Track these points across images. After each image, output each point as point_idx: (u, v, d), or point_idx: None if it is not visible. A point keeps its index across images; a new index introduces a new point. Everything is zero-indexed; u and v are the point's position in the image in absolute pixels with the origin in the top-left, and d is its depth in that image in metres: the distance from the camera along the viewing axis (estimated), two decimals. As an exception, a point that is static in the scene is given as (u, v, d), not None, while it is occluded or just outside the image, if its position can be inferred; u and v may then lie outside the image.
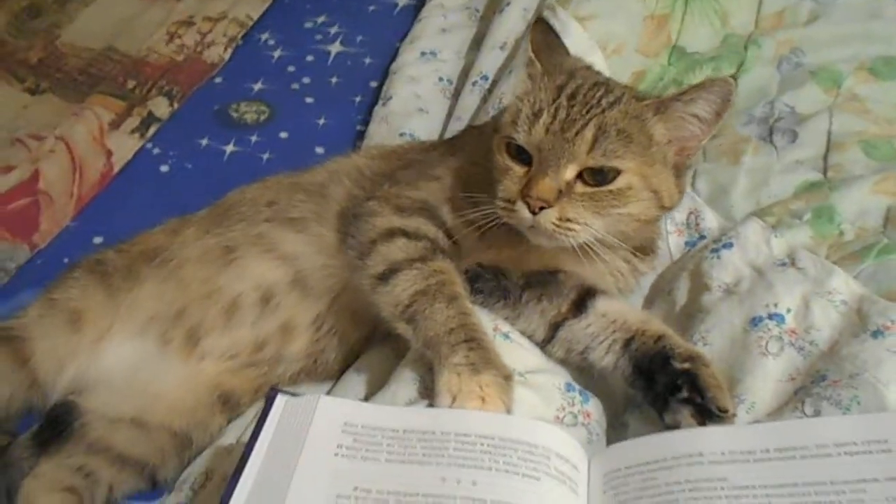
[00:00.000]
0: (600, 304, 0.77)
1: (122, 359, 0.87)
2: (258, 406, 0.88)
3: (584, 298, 0.78)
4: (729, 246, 0.80)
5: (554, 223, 0.71)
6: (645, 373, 0.71)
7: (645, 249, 0.84)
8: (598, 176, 0.71)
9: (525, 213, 0.72)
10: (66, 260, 1.13)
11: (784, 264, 0.75)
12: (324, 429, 0.65)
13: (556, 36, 0.86)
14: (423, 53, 1.31)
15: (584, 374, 0.77)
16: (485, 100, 1.14)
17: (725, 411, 0.65)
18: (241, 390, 0.89)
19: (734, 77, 0.76)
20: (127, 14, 1.57)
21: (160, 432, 0.85)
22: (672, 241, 0.90)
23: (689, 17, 1.14)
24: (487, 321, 0.77)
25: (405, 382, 0.74)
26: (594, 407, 0.74)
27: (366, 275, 0.76)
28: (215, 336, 0.88)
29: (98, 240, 1.19)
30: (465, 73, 1.26)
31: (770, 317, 0.70)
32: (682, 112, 0.73)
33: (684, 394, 0.67)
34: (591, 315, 0.77)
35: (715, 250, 0.81)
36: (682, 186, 0.77)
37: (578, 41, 0.99)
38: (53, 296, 0.89)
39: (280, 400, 0.69)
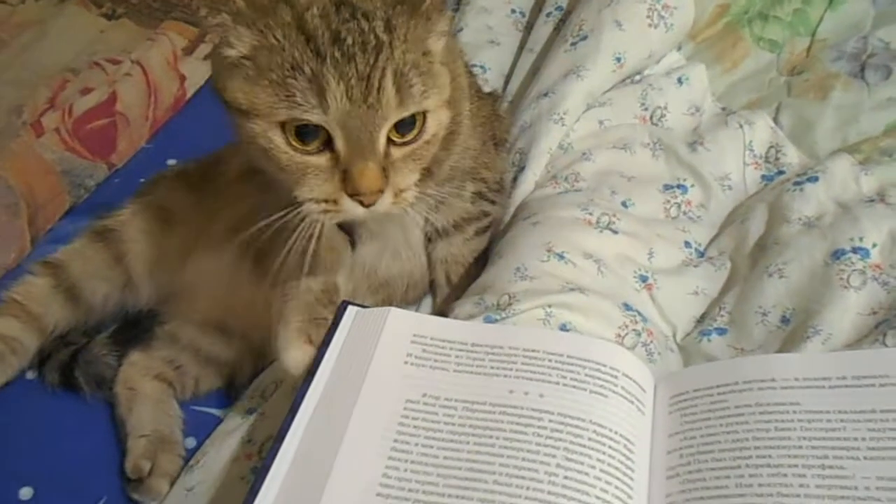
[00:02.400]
0: None
1: (208, 266, 0.90)
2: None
3: None
4: (814, 180, 0.77)
5: (391, 202, 0.61)
6: None
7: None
8: (405, 128, 0.60)
9: (358, 209, 0.60)
10: (141, 180, 1.17)
11: (872, 200, 0.72)
12: (393, 339, 0.67)
13: None
14: (495, -17, 1.28)
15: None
16: (557, 30, 1.11)
17: None
18: None
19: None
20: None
21: (241, 340, 0.89)
22: (749, 173, 0.87)
23: (778, -54, 1.08)
24: (540, 241, 0.77)
25: (470, 296, 0.75)
26: (654, 326, 0.74)
27: None
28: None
29: (172, 161, 1.22)
30: (538, 5, 1.23)
31: (854, 250, 0.68)
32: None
33: None
34: None
35: (798, 183, 0.78)
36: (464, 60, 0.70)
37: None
38: (146, 197, 0.92)
39: (351, 310, 0.71)
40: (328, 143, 0.58)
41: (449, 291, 0.89)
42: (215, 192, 0.90)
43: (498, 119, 0.94)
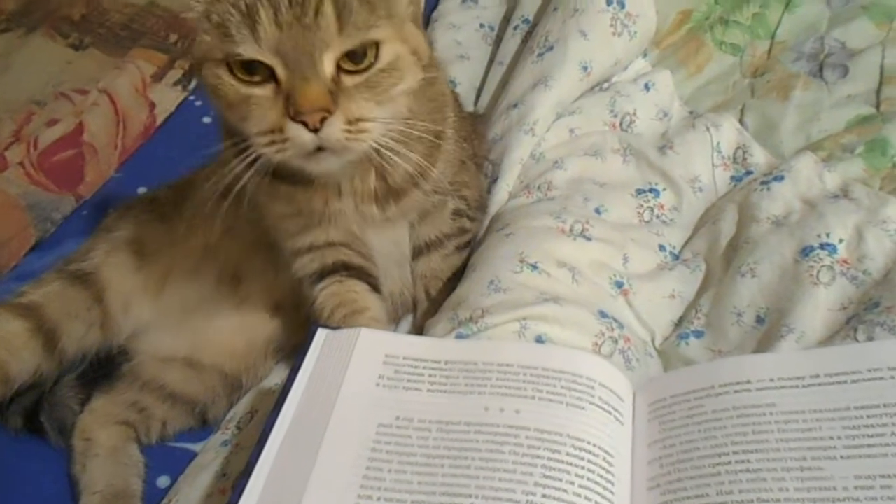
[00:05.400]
0: None
1: (178, 297, 0.88)
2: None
3: None
4: (780, 178, 0.78)
5: (344, 130, 0.59)
6: None
7: (436, 117, 0.73)
8: (358, 58, 0.59)
9: (305, 134, 0.58)
10: (110, 210, 1.16)
11: (836, 196, 0.72)
12: (364, 360, 0.66)
13: None
14: (463, 1, 1.29)
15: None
16: (525, 42, 1.11)
17: None
18: (294, 338, 0.88)
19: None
20: (167, -30, 1.57)
21: (212, 373, 0.87)
22: (718, 174, 0.87)
23: (736, -49, 1.10)
24: (513, 252, 0.77)
25: (444, 312, 0.74)
26: (632, 332, 0.73)
27: None
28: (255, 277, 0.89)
29: (142, 190, 1.20)
30: (506, 19, 1.24)
31: (821, 246, 0.68)
32: None
33: None
34: None
35: (765, 182, 0.78)
36: (427, 38, 0.67)
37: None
38: (116, 232, 0.90)
39: (321, 333, 0.70)
40: (273, 75, 0.59)
41: (428, 305, 0.88)
42: (188, 217, 0.88)
43: (478, 137, 0.94)
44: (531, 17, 1.16)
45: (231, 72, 0.60)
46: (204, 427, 0.88)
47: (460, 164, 0.82)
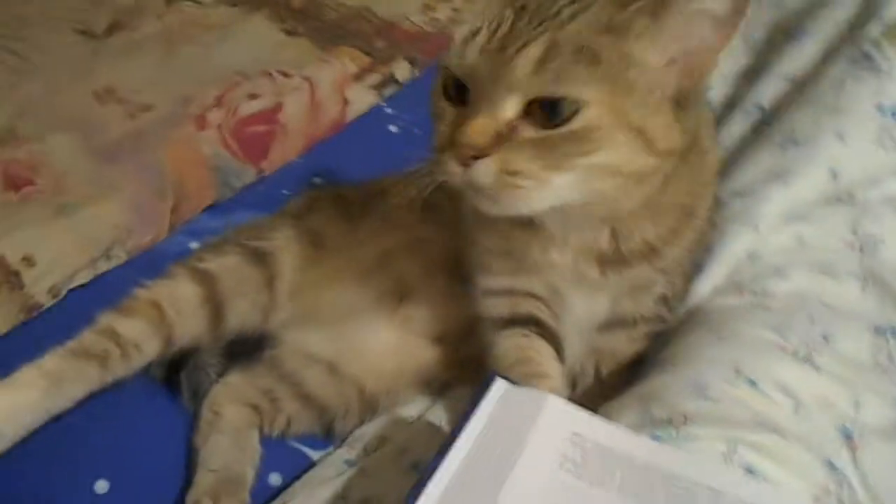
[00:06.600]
0: None
1: (339, 300, 0.84)
2: (456, 391, 0.82)
3: None
4: None
5: (494, 178, 0.53)
6: None
7: (694, 191, 0.65)
8: (551, 112, 0.53)
9: (452, 165, 0.54)
10: (284, 192, 1.15)
11: None
12: (549, 431, 0.58)
13: None
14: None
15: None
16: (758, 132, 1.01)
17: None
18: (446, 373, 0.82)
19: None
20: (387, -20, 1.61)
21: (351, 386, 0.82)
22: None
23: None
24: (726, 358, 0.66)
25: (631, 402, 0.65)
26: (854, 496, 0.60)
27: None
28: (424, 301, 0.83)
29: (316, 180, 1.20)
30: (729, 105, 1.14)
31: None
32: (684, 11, 0.52)
33: None
34: None
35: None
36: (687, 121, 0.56)
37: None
38: (301, 221, 0.88)
39: (500, 384, 0.62)
40: (465, 98, 0.56)
41: (593, 384, 0.79)
42: (372, 222, 0.84)
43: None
44: (767, 106, 1.06)
45: (444, 81, 0.58)
46: (326, 437, 0.84)
47: (696, 249, 0.73)
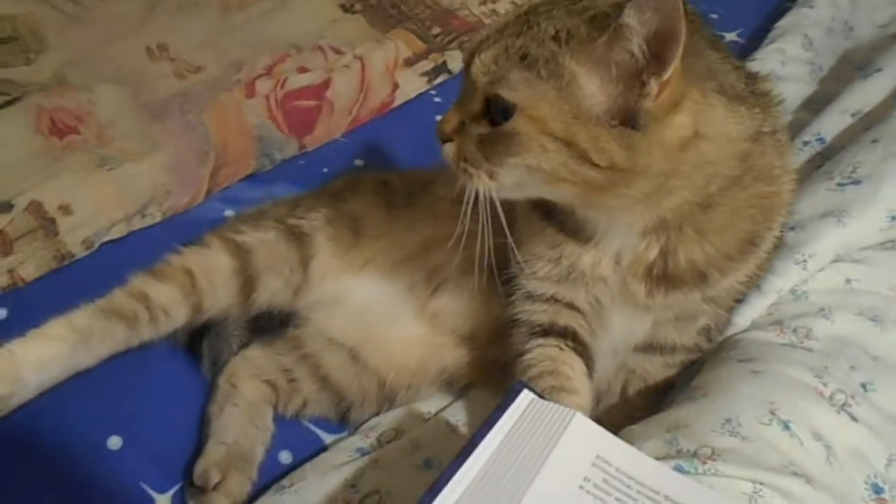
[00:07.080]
0: None
1: (370, 287, 0.83)
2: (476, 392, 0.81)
3: None
4: None
5: (453, 159, 0.61)
6: None
7: (756, 217, 0.63)
8: (494, 112, 0.58)
9: (442, 144, 0.62)
10: (325, 170, 1.15)
11: None
12: (572, 450, 0.56)
13: None
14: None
15: None
16: (815, 165, 0.98)
17: None
18: (469, 375, 0.81)
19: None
20: (448, -32, 1.59)
21: (371, 376, 0.81)
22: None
23: None
24: (761, 396, 0.64)
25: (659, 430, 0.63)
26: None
27: None
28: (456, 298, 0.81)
29: (359, 162, 1.19)
30: (789, 129, 1.11)
31: None
32: (617, 36, 0.52)
33: None
34: None
35: None
36: (640, 141, 0.54)
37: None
38: (342, 204, 0.86)
39: (526, 395, 0.61)
40: None
41: (619, 403, 0.77)
42: (416, 212, 0.83)
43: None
44: (827, 138, 1.03)
45: None
46: (341, 423, 0.83)
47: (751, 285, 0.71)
